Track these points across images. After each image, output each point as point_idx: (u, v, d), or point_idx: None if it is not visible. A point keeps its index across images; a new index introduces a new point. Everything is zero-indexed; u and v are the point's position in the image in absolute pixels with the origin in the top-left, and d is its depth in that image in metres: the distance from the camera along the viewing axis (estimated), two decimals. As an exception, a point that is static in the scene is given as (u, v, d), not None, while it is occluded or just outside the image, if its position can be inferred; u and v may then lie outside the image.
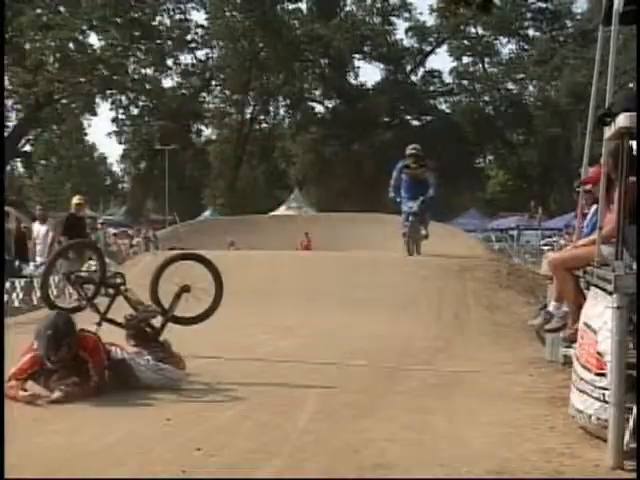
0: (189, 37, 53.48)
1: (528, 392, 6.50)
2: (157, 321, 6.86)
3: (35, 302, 13.17)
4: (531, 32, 56.89)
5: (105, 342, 6.33)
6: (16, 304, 12.94)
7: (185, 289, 6.93)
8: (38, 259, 13.69)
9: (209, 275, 7.10)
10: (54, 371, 5.94)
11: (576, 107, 45.05)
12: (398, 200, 14.55)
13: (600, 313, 4.84)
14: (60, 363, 5.92)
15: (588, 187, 7.29)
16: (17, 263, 13.93)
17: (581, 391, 5.01)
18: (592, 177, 6.85)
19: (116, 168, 61.55)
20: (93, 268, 7.74)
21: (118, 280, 6.99)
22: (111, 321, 6.82)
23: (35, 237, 14.06)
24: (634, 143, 4.85)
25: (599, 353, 4.76)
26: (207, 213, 44.64)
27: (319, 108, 57.65)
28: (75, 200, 13.60)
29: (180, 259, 7.37)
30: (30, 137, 52.53)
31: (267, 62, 52.35)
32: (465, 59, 57.34)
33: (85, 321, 6.75)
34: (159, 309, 6.84)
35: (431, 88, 57.59)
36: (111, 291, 6.92)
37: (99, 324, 6.71)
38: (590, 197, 7.19)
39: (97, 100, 51.39)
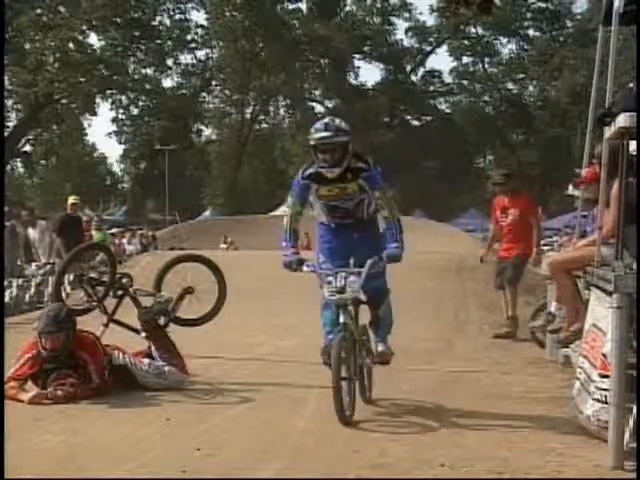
0: (189, 37, 53.51)
1: (528, 392, 6.50)
2: (160, 322, 6.87)
3: (27, 300, 13.20)
4: (531, 32, 56.92)
5: (107, 345, 6.34)
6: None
7: (188, 291, 6.94)
8: (42, 259, 13.75)
9: (212, 277, 7.11)
10: (52, 371, 5.95)
11: (576, 107, 45.04)
12: (304, 266, 5.84)
13: (606, 314, 4.83)
14: (54, 352, 5.92)
15: (582, 188, 7.29)
16: (19, 263, 13.95)
17: (588, 393, 5.00)
18: (586, 178, 6.85)
19: (116, 168, 61.55)
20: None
21: (125, 280, 7.01)
22: (118, 322, 6.83)
23: (33, 241, 14.11)
24: (633, 144, 4.85)
25: (604, 355, 4.75)
26: (207, 213, 44.64)
27: (319, 108, 57.64)
28: (70, 200, 13.66)
29: (183, 261, 7.37)
30: (30, 137, 52.52)
31: (267, 62, 52.35)
32: (465, 59, 57.36)
33: (84, 323, 6.76)
34: (171, 297, 6.85)
35: (431, 88, 57.56)
36: (119, 292, 6.93)
37: (106, 325, 6.73)
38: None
39: (97, 100, 51.43)
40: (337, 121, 5.83)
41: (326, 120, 5.87)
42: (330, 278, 5.61)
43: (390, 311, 6.26)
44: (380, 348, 6.11)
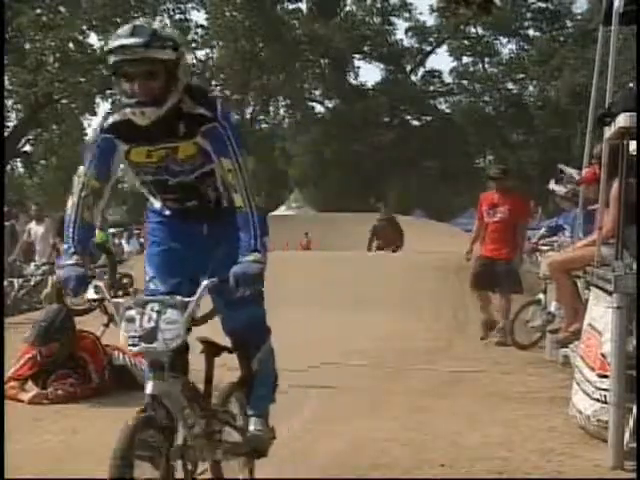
0: (189, 37, 53.52)
1: (528, 392, 6.50)
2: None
3: (26, 300, 13.18)
4: (531, 32, 56.93)
5: (107, 345, 6.34)
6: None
7: None
8: (40, 259, 13.66)
9: None
10: (52, 371, 5.95)
11: (576, 107, 45.03)
12: (90, 289, 3.26)
13: (603, 314, 4.84)
14: (51, 358, 5.92)
15: (582, 187, 7.31)
16: (18, 263, 13.93)
17: (585, 392, 5.01)
18: (586, 177, 6.86)
19: (116, 168, 61.51)
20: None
21: (125, 281, 7.03)
22: None
23: (33, 237, 14.02)
24: (633, 144, 4.85)
25: (603, 355, 4.75)
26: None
27: (319, 108, 57.68)
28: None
29: None
30: (30, 137, 52.52)
31: (267, 62, 52.36)
32: (465, 59, 57.34)
33: (84, 323, 6.76)
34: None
35: (431, 88, 57.57)
36: (120, 292, 6.94)
37: (107, 325, 6.73)
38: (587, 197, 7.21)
39: (97, 100, 51.40)
40: (157, 26, 3.29)
41: (137, 22, 3.33)
42: (132, 312, 3.14)
43: (272, 363, 4.07)
44: (252, 427, 3.68)
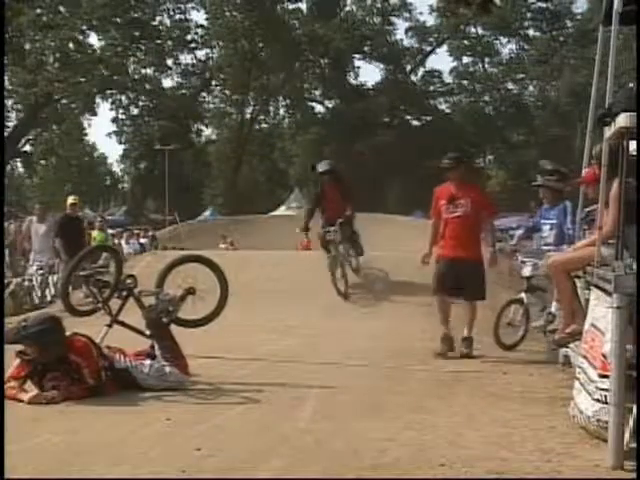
0: (189, 37, 53.54)
1: (528, 392, 6.50)
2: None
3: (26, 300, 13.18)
4: (531, 32, 57.07)
5: (109, 347, 6.34)
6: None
7: (190, 291, 6.93)
8: (38, 257, 13.62)
9: (214, 278, 7.11)
10: (47, 371, 5.94)
11: (576, 107, 45.06)
12: None
13: (605, 314, 4.84)
14: (37, 358, 5.91)
15: (582, 187, 7.33)
16: (22, 263, 13.95)
17: (587, 392, 5.00)
18: (586, 177, 6.87)
19: (116, 168, 61.57)
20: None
21: (129, 282, 7.01)
22: (122, 323, 6.83)
23: (33, 234, 14.00)
24: (633, 144, 4.85)
25: (604, 355, 4.75)
26: (207, 213, 44.62)
27: (319, 108, 57.73)
28: (70, 200, 13.61)
29: (185, 261, 7.37)
30: (30, 137, 52.54)
31: (267, 62, 52.37)
32: (465, 59, 57.49)
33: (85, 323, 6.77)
34: (176, 295, 6.84)
35: (431, 88, 57.63)
36: (124, 293, 6.93)
37: (110, 326, 6.73)
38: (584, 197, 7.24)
39: (97, 100, 51.43)
40: None
41: None
42: None
43: None
44: None
